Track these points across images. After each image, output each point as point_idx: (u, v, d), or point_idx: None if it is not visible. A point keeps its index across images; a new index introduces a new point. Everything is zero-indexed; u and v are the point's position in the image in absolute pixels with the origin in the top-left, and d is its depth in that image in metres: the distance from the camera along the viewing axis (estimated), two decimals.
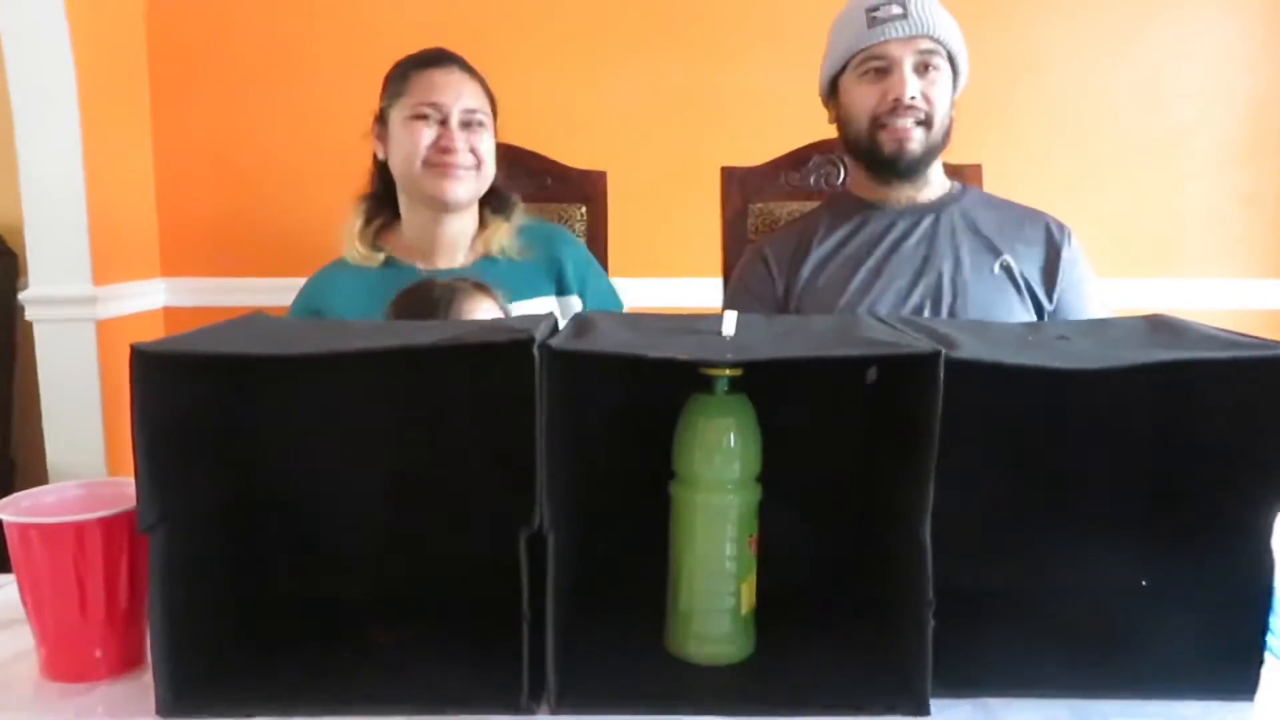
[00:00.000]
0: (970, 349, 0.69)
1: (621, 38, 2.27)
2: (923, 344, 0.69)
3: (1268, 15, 2.29)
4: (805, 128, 1.73)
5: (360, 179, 1.72)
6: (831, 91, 1.49)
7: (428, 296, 1.21)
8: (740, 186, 1.72)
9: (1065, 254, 1.43)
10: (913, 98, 1.38)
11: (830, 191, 1.70)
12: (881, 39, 1.37)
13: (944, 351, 0.67)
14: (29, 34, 2.01)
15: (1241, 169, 2.35)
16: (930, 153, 1.42)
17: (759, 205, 1.71)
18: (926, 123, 1.40)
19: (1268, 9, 2.29)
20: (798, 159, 1.73)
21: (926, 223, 1.44)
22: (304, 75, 2.27)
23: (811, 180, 1.72)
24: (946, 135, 1.43)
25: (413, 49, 1.58)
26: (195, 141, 2.29)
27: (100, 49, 2.12)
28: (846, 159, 1.57)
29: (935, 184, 1.48)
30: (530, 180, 1.68)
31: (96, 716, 0.71)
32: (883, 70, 1.39)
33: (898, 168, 1.42)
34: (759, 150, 1.73)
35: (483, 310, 1.22)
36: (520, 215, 1.57)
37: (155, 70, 2.28)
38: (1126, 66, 2.31)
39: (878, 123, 1.40)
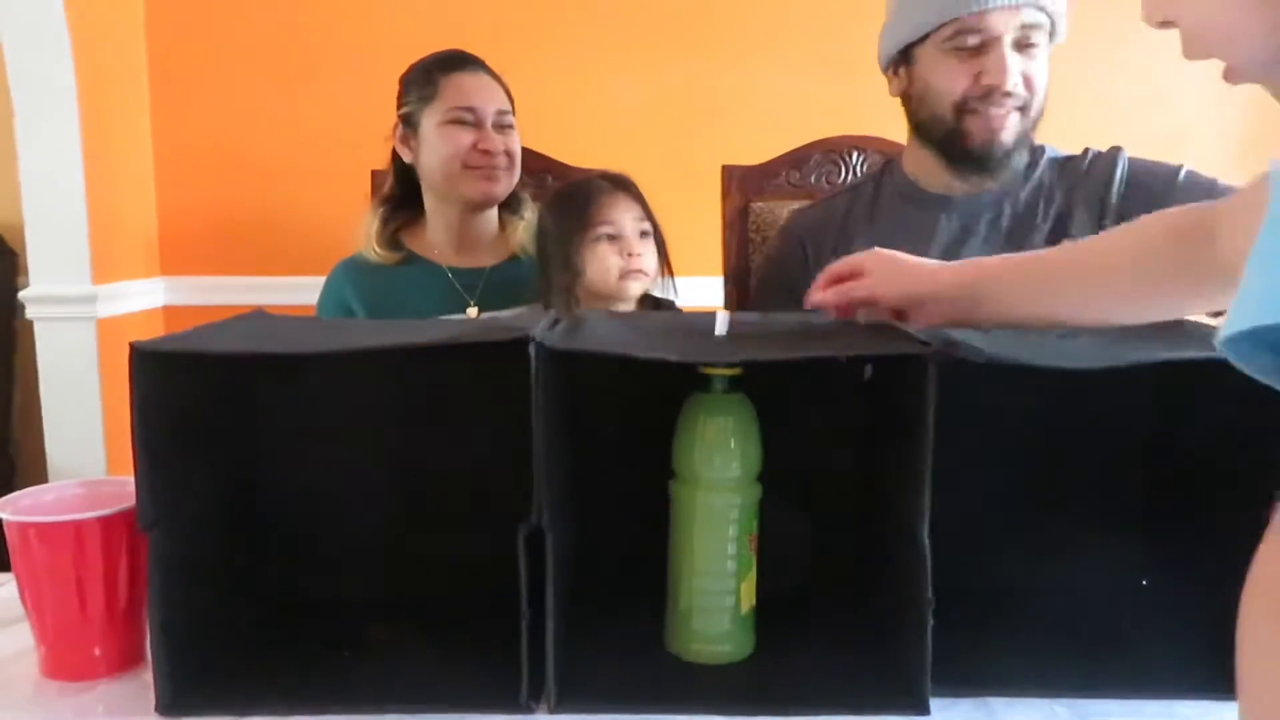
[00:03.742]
0: (969, 348, 0.69)
1: (622, 38, 2.27)
2: (912, 344, 0.69)
3: None
4: (805, 127, 1.72)
5: (361, 177, 1.72)
6: (901, 61, 1.27)
7: (575, 189, 1.43)
8: (741, 185, 1.72)
9: (1110, 187, 1.24)
10: (1014, 84, 1.18)
11: (878, 172, 1.42)
12: (982, 8, 1.15)
13: (934, 350, 0.67)
14: (29, 34, 2.01)
15: (1241, 169, 2.35)
16: (1021, 141, 1.24)
17: (759, 204, 1.71)
18: (1023, 109, 1.21)
19: None
20: (798, 158, 1.73)
21: (988, 217, 1.27)
22: (304, 74, 2.27)
23: (812, 179, 1.72)
24: (1039, 117, 1.25)
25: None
26: (195, 140, 2.29)
27: (100, 48, 2.12)
28: (911, 141, 1.33)
29: (1012, 167, 1.27)
30: (530, 179, 1.68)
31: (96, 715, 0.71)
32: (978, 47, 1.18)
33: (986, 162, 1.23)
34: (759, 149, 1.73)
35: (624, 207, 1.39)
36: (533, 211, 1.59)
37: (155, 69, 2.28)
38: (1126, 66, 2.31)
39: (966, 107, 1.21)
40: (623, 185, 1.42)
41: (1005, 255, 0.90)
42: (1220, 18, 0.56)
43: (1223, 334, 0.40)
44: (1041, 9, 1.18)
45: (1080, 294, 0.83)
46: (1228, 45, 0.57)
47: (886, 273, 0.87)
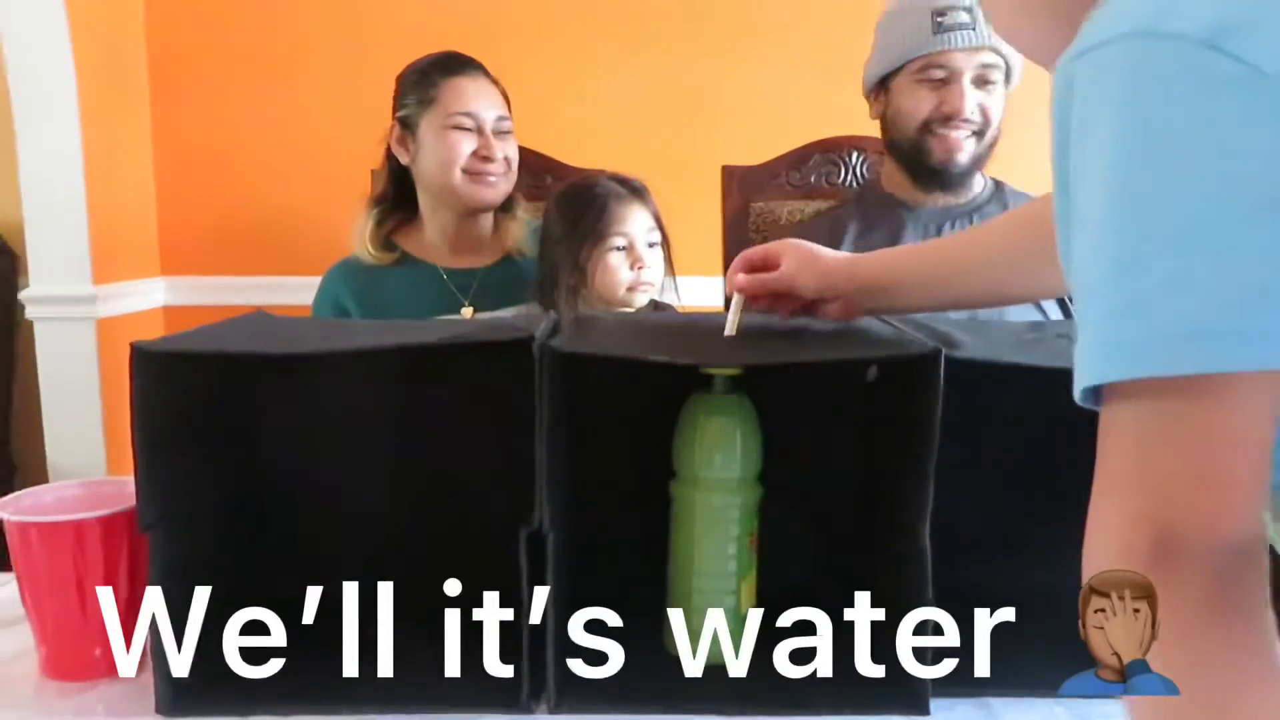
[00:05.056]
0: (971, 349, 0.69)
1: (621, 37, 2.27)
2: (923, 344, 0.69)
3: None
4: (805, 127, 1.72)
5: (361, 177, 1.72)
6: (879, 89, 1.47)
7: (588, 193, 1.40)
8: (740, 186, 1.72)
9: None
10: (970, 112, 1.38)
11: (860, 188, 1.66)
12: (946, 47, 1.36)
13: (944, 351, 0.67)
14: (29, 34, 2.01)
15: None
16: (976, 163, 1.43)
17: (759, 204, 1.71)
18: (979, 134, 1.40)
19: None
20: (798, 158, 1.73)
21: (960, 225, 1.43)
22: (304, 73, 2.27)
23: (812, 179, 1.72)
24: (994, 145, 1.43)
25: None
26: (195, 140, 2.29)
27: (100, 48, 2.12)
28: (886, 158, 1.53)
29: (973, 188, 1.48)
30: (530, 179, 1.68)
31: (96, 715, 0.71)
32: (942, 80, 1.38)
33: (943, 178, 1.43)
34: (759, 150, 1.73)
35: (638, 218, 1.38)
36: (525, 209, 1.59)
37: (155, 69, 2.28)
38: None
39: (929, 129, 1.40)
40: (636, 192, 1.41)
41: (912, 245, 0.94)
42: (1010, 23, 0.65)
43: (1077, 392, 0.46)
44: (997, 52, 1.37)
45: (994, 273, 0.85)
46: (1019, 46, 0.65)
47: (802, 265, 0.87)
